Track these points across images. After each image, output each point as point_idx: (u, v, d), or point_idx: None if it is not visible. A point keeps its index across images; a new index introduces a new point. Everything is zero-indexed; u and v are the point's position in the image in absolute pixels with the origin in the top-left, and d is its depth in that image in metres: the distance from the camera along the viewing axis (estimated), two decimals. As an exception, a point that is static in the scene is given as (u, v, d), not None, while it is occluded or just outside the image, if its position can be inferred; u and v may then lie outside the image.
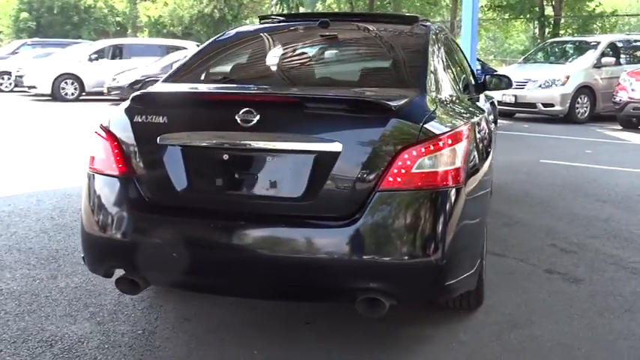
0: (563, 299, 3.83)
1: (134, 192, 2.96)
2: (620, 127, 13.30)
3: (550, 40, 19.17)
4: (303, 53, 3.87)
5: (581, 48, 16.03)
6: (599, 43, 15.49)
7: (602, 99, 14.53)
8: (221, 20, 39.00)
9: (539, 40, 23.70)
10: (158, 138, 2.93)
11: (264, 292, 2.93)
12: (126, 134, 3.03)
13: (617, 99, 13.25)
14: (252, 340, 3.24)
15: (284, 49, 3.92)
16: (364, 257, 2.71)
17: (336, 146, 2.74)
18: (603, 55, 14.98)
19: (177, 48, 20.89)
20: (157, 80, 3.68)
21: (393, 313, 2.95)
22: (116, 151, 3.01)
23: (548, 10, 25.13)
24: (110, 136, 3.06)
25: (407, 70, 3.49)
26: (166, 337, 3.28)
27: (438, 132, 2.82)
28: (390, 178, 2.72)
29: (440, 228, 2.75)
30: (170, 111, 2.99)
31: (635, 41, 16.62)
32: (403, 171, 2.72)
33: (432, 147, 2.76)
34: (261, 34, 4.11)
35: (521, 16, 26.92)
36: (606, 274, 4.26)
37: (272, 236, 2.82)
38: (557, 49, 16.95)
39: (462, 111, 3.41)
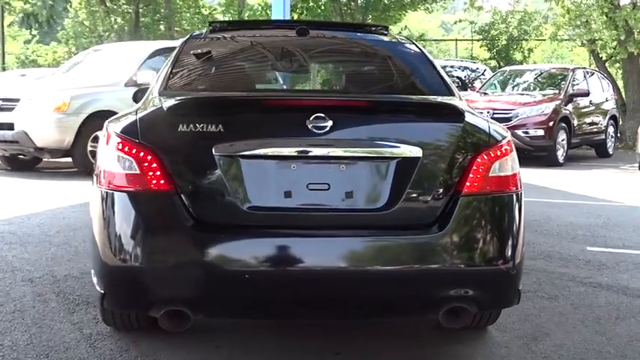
0: (554, 313, 4.66)
1: (183, 211, 3.17)
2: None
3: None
4: (313, 60, 4.35)
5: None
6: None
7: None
8: None
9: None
10: (213, 148, 3.18)
11: (347, 312, 3.33)
12: (168, 146, 3.23)
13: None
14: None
15: (290, 56, 4.34)
16: (456, 264, 3.25)
17: (416, 151, 3.26)
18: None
19: None
20: None
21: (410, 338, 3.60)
22: (154, 165, 3.20)
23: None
24: (144, 147, 3.23)
25: (428, 77, 4.11)
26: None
27: (499, 138, 3.47)
28: (469, 183, 3.30)
29: (515, 232, 3.40)
30: (226, 118, 3.27)
31: (452, 67, 19.07)
32: (479, 176, 3.32)
33: (499, 152, 3.40)
34: (249, 39, 4.47)
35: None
36: (572, 290, 5.20)
37: (356, 252, 3.23)
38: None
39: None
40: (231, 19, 25.81)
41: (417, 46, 4.42)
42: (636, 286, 5.35)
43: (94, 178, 3.50)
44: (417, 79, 4.20)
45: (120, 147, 3.28)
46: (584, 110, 15.68)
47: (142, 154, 3.22)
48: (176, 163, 3.22)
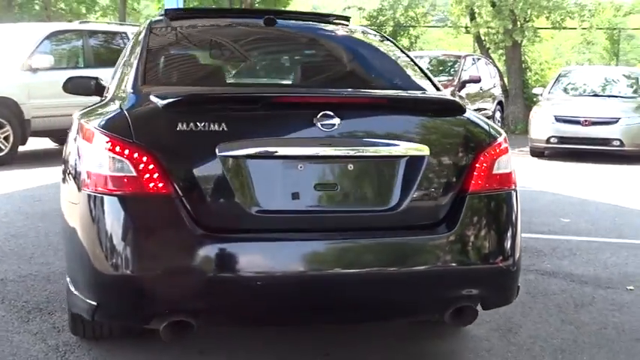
0: (515, 302, 4.63)
1: (186, 216, 2.96)
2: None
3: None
4: (299, 54, 4.17)
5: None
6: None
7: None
8: None
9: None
10: (217, 148, 2.99)
11: (360, 315, 3.24)
12: (166, 146, 3.02)
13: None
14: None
15: (271, 49, 4.14)
16: (467, 263, 3.22)
17: (424, 149, 3.19)
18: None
19: None
20: None
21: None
22: (151, 166, 2.97)
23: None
24: (139, 148, 3.00)
25: (415, 72, 4.04)
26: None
27: (497, 135, 3.45)
28: (474, 181, 3.27)
29: (517, 229, 3.40)
30: (230, 116, 3.08)
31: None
32: (483, 173, 3.29)
33: (498, 150, 3.38)
34: (219, 29, 4.23)
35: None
36: (522, 278, 5.26)
37: (369, 254, 3.14)
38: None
39: None
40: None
41: (392, 41, 4.37)
42: (579, 272, 5.51)
43: (73, 180, 3.25)
44: (406, 74, 4.12)
45: (110, 147, 3.02)
46: (475, 96, 16.10)
47: (136, 154, 2.97)
48: (175, 165, 3.00)
